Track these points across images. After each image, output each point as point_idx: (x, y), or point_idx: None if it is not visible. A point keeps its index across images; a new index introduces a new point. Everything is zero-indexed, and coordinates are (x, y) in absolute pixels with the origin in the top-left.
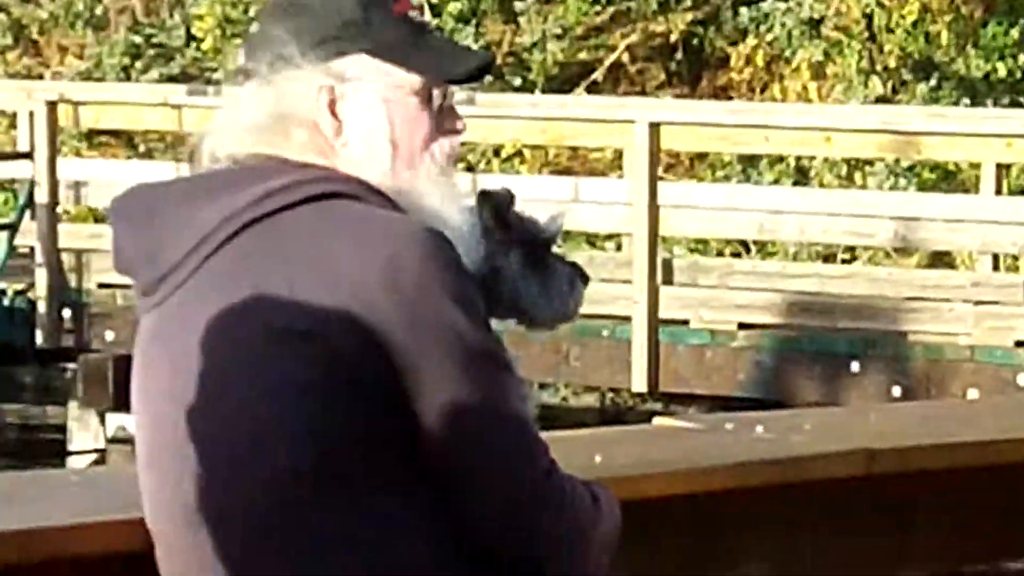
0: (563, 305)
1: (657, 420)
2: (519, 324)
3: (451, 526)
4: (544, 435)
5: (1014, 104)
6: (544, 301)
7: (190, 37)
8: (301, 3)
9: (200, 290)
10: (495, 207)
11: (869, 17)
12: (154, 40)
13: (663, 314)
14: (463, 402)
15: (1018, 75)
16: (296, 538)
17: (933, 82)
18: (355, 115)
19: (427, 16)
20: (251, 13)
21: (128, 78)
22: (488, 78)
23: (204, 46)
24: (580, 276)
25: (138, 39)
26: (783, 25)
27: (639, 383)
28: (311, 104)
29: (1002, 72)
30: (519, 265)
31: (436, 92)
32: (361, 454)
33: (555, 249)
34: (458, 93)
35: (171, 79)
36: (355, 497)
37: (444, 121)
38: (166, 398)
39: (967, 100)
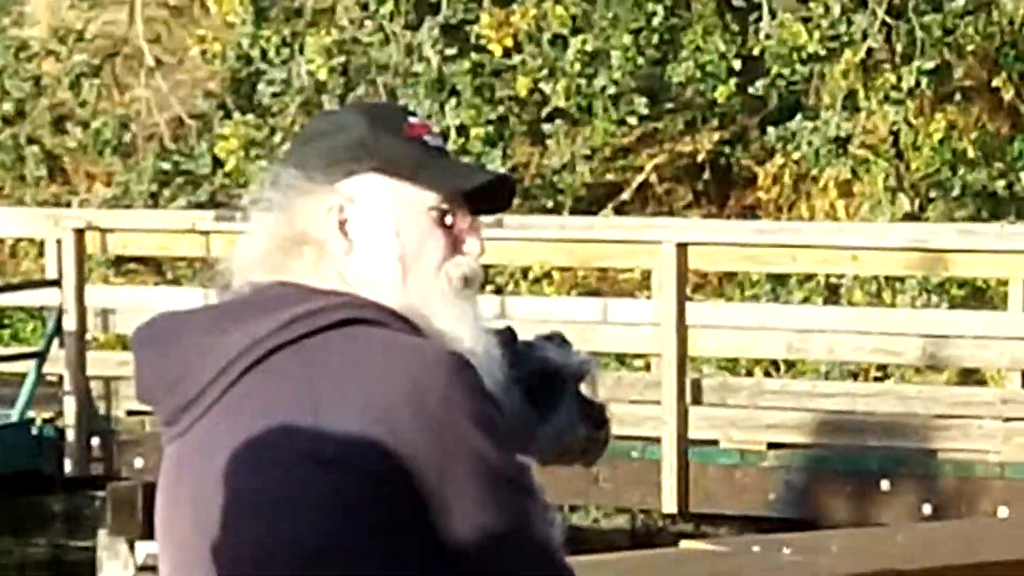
0: (556, 444)
1: (684, 543)
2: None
3: None
4: (571, 560)
5: None
6: (540, 439)
7: (217, 163)
8: (316, 131)
9: (223, 419)
10: (500, 341)
11: (896, 135)
12: (182, 167)
13: (692, 434)
14: (486, 527)
15: None
16: None
17: (957, 196)
18: (365, 234)
19: (454, 138)
20: (276, 136)
21: (156, 205)
22: (516, 200)
23: (227, 167)
24: (590, 419)
25: (166, 166)
26: (810, 144)
27: (669, 504)
28: (321, 225)
29: None
30: (520, 402)
31: (451, 212)
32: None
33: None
34: (486, 217)
35: (198, 206)
36: None
37: (461, 242)
38: (190, 529)
39: (990, 212)
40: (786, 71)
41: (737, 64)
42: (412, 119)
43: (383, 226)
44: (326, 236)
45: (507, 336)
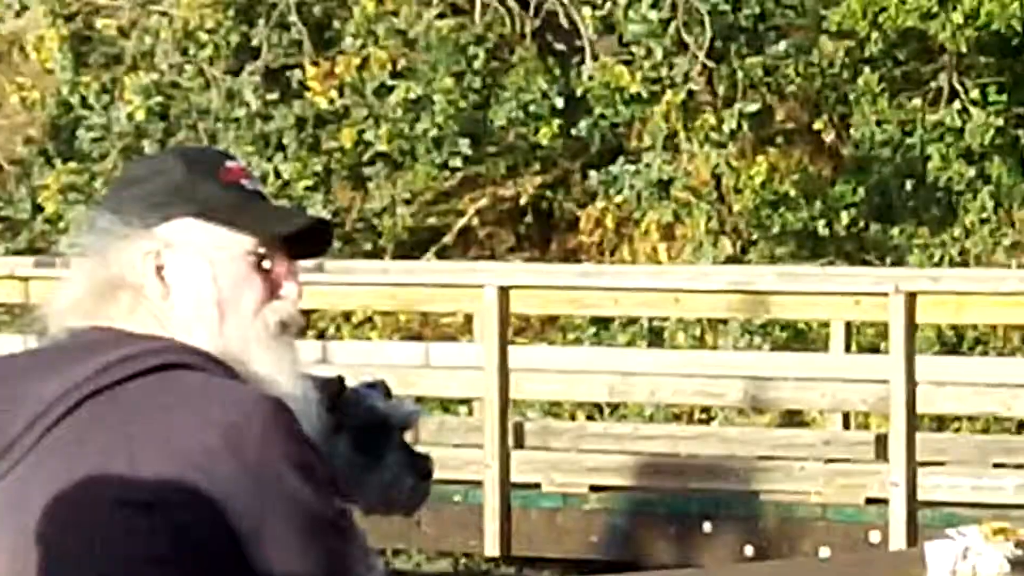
0: (383, 495)
1: None
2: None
3: None
4: None
5: (861, 260)
6: (367, 488)
7: (37, 209)
8: (133, 176)
9: (39, 465)
10: (323, 390)
11: (718, 178)
12: (1, 213)
13: (515, 478)
14: (304, 572)
15: (862, 227)
16: None
17: (779, 238)
18: (181, 278)
19: (274, 183)
20: (96, 182)
21: None
22: (337, 244)
23: (47, 212)
24: (415, 469)
25: None
26: (632, 187)
27: (492, 548)
28: (138, 269)
29: (845, 222)
30: (347, 450)
31: (268, 256)
32: None
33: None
34: (307, 263)
35: (17, 252)
36: None
37: (278, 287)
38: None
39: (814, 255)
40: (608, 111)
41: (560, 103)
42: (229, 163)
43: (200, 271)
44: (143, 281)
45: (336, 385)
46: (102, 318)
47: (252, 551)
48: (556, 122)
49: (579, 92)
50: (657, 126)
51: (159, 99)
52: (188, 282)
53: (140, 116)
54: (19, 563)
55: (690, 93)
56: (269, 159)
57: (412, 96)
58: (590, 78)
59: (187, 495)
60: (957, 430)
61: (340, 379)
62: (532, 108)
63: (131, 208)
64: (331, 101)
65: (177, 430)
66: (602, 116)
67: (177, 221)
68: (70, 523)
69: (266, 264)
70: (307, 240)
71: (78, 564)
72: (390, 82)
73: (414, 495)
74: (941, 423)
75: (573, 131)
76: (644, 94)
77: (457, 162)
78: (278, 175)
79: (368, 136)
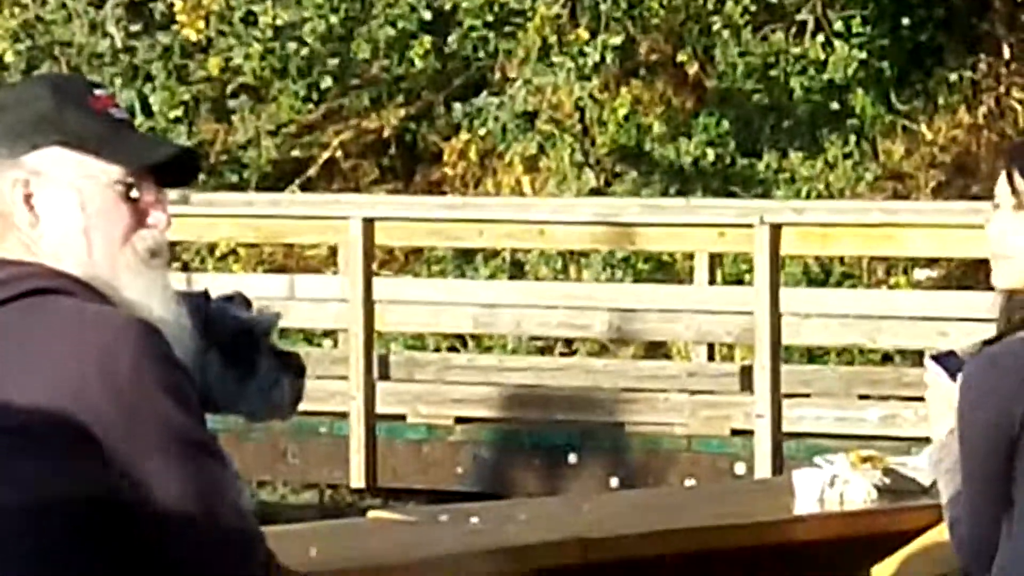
0: (265, 400)
1: (372, 513)
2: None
3: None
4: (261, 529)
5: (726, 192)
6: (247, 397)
7: None
8: (2, 103)
9: None
10: (191, 308)
11: (582, 111)
12: None
13: (380, 410)
14: (177, 493)
15: (727, 161)
16: None
17: (644, 170)
18: (49, 207)
19: (139, 115)
20: None
21: None
22: (202, 177)
23: None
24: (290, 368)
25: None
26: (496, 119)
27: (357, 479)
28: (6, 198)
29: (711, 157)
30: (219, 363)
31: (136, 185)
32: (80, 547)
33: (272, 342)
34: (172, 193)
35: None
36: None
37: (146, 215)
38: None
39: (679, 189)
40: (477, 23)
41: (428, 15)
42: (97, 91)
43: (68, 200)
44: (11, 209)
45: (201, 298)
46: None
47: (125, 474)
48: (427, 39)
49: (448, 6)
50: (531, 39)
51: (27, 43)
52: (56, 211)
53: (9, 58)
54: None
55: (556, 26)
56: (138, 90)
57: (279, 23)
58: None
59: (58, 418)
60: (823, 362)
61: (206, 291)
62: (401, 24)
63: (1, 138)
64: (198, 31)
65: (49, 355)
66: (472, 28)
67: (45, 150)
68: None
69: (134, 193)
70: (175, 169)
71: None
72: (256, 8)
73: (295, 392)
74: (807, 355)
75: (444, 48)
76: (515, 5)
77: (320, 94)
78: (145, 106)
79: (236, 61)
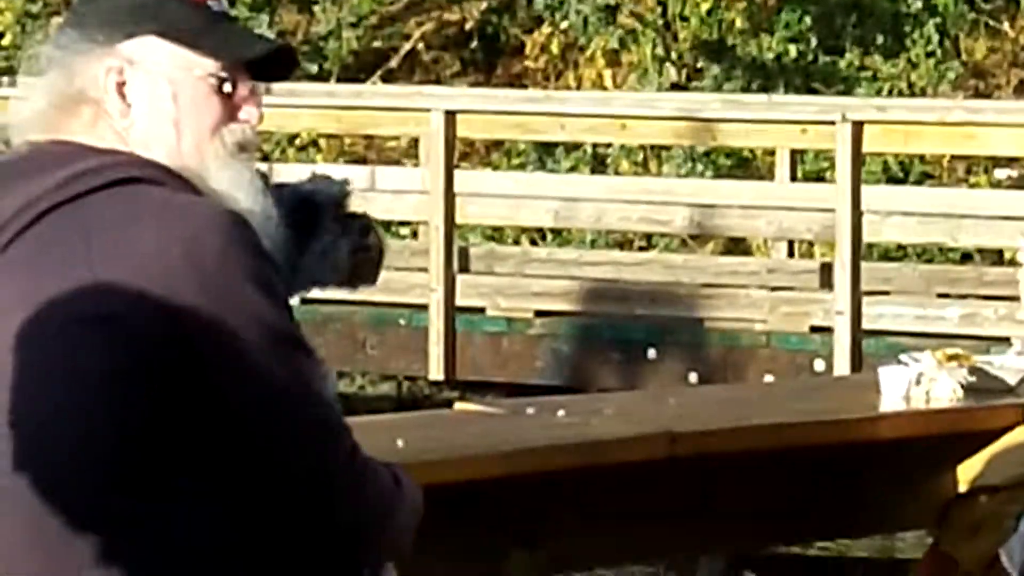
0: (324, 261)
1: (458, 405)
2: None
3: (257, 507)
4: (347, 420)
5: (808, 89)
6: (308, 264)
7: None
8: None
9: (3, 277)
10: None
11: (664, 5)
12: None
13: (460, 302)
14: (265, 384)
15: (810, 58)
16: (101, 520)
17: (726, 66)
18: (141, 96)
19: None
20: (51, 6)
21: None
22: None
23: (4, 42)
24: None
25: None
26: (578, 13)
27: (436, 371)
28: (100, 85)
29: (793, 54)
30: (279, 234)
31: (229, 79)
32: (167, 436)
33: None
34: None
35: None
36: (161, 480)
37: (238, 109)
38: None
39: (760, 85)
40: None
41: None
42: None
43: (160, 90)
44: (104, 96)
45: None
46: (63, 132)
47: (213, 364)
48: None
49: None
50: None
51: None
52: (148, 100)
53: None
54: None
55: None
56: None
57: None
58: None
59: (147, 307)
60: (903, 260)
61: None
62: None
63: (94, 24)
64: None
65: (137, 244)
66: None
67: (140, 39)
68: (31, 334)
69: (227, 87)
70: (271, 64)
71: (39, 378)
72: None
73: (360, 255)
74: (887, 254)
75: None
76: None
77: None
78: None
79: None
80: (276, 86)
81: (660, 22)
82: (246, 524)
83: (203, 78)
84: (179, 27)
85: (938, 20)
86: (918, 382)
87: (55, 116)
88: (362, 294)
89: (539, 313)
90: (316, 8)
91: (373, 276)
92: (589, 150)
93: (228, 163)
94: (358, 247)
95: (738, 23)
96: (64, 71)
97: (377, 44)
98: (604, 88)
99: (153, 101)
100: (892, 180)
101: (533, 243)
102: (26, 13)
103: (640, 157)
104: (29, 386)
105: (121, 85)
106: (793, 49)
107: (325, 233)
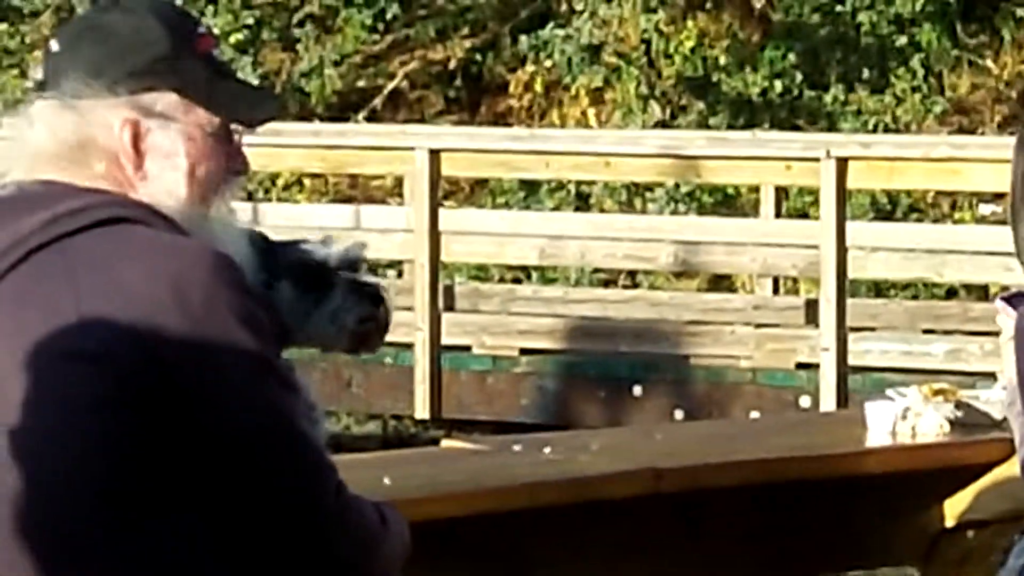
0: (334, 326)
1: (445, 442)
2: (315, 348)
3: (242, 543)
4: (333, 457)
5: (793, 126)
6: (317, 324)
7: None
8: (109, 29)
9: None
10: (251, 249)
11: (647, 43)
12: None
13: (445, 340)
14: (249, 421)
15: (795, 93)
16: (88, 556)
17: (711, 102)
18: (157, 149)
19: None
20: (27, 41)
21: None
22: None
23: None
24: (363, 297)
25: None
26: (562, 52)
27: (422, 410)
28: (114, 135)
29: (779, 89)
30: (290, 292)
31: (234, 131)
32: (153, 472)
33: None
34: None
35: None
36: (147, 516)
37: (235, 156)
38: None
39: (744, 121)
40: None
41: None
42: (200, 29)
43: (175, 144)
44: (117, 148)
45: (259, 238)
46: (60, 174)
47: (198, 401)
48: None
49: None
50: None
51: None
52: (163, 153)
53: None
54: None
55: None
56: (200, 12)
57: None
58: None
59: (132, 343)
60: (888, 296)
61: (261, 234)
62: None
63: (114, 68)
64: None
65: (124, 281)
66: None
67: (159, 94)
68: (18, 372)
69: (234, 138)
70: None
71: (26, 414)
72: None
73: (368, 323)
74: (872, 289)
75: None
76: None
77: (389, 13)
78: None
79: None
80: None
81: (644, 60)
82: (233, 550)
83: (215, 131)
84: (194, 83)
85: (922, 56)
86: (904, 417)
87: (56, 160)
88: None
89: (524, 351)
90: (299, 47)
91: (377, 345)
92: (573, 188)
93: (226, 215)
94: (366, 316)
95: (722, 59)
96: (71, 117)
97: (361, 83)
98: (588, 126)
99: (169, 155)
100: (879, 214)
101: (518, 281)
102: (4, 49)
103: (625, 195)
104: (20, 416)
105: (136, 137)
106: (779, 84)
107: (335, 298)
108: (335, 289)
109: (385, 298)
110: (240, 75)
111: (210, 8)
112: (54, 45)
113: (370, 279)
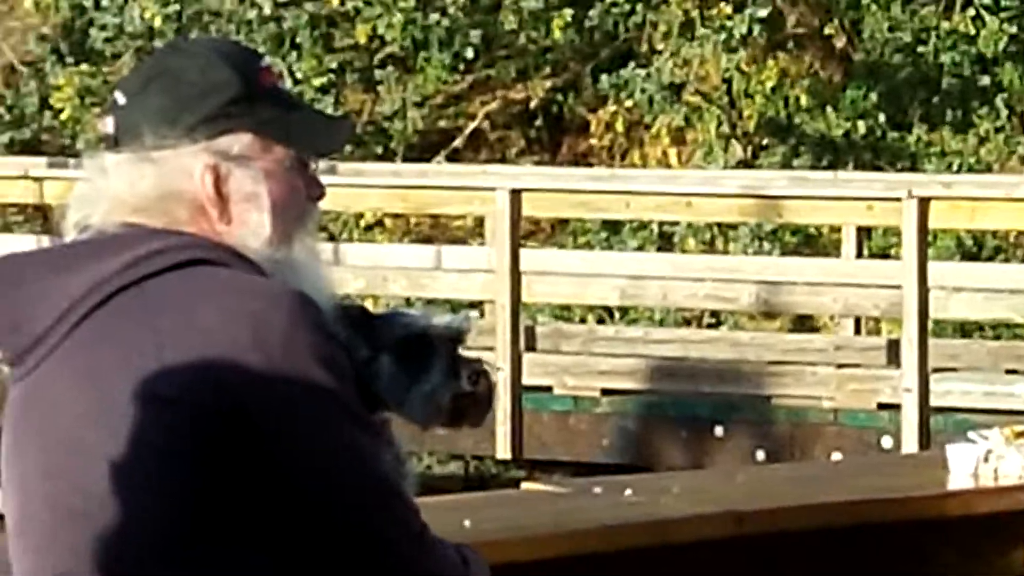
0: (426, 404)
1: (525, 485)
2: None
3: None
4: (415, 500)
5: (874, 167)
6: (411, 400)
7: (43, 104)
8: (177, 76)
9: (68, 360)
10: (350, 322)
11: (729, 82)
12: (8, 103)
13: (526, 381)
14: (329, 464)
15: (878, 134)
16: None
17: (792, 143)
18: (239, 193)
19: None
20: (109, 82)
21: None
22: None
23: (63, 116)
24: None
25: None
26: (643, 91)
27: (503, 450)
28: (195, 183)
29: (861, 130)
30: (390, 367)
31: (310, 163)
32: (228, 514)
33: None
34: (320, 164)
35: (23, 143)
36: (221, 557)
37: (313, 189)
38: (37, 471)
39: (827, 161)
40: None
41: None
42: (263, 63)
43: (257, 185)
44: (200, 195)
45: (359, 311)
46: (140, 218)
47: (277, 443)
48: (567, 12)
49: None
50: (673, 13)
51: (175, 7)
52: (245, 195)
53: (157, 22)
54: (49, 452)
55: None
56: (283, 58)
57: None
58: None
59: (211, 386)
60: (971, 337)
61: (363, 308)
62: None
63: (187, 115)
64: (342, 2)
65: (203, 323)
66: (614, 4)
67: (235, 136)
68: (96, 418)
69: (310, 166)
70: None
71: (103, 458)
72: None
73: (465, 401)
74: (956, 330)
75: (586, 21)
76: None
77: (468, 54)
78: (291, 74)
79: (381, 30)
80: (342, 166)
81: (725, 99)
82: None
83: (292, 166)
84: (268, 122)
85: (1005, 96)
86: (986, 459)
87: (140, 210)
88: None
89: (606, 391)
90: (381, 88)
91: (479, 420)
92: (656, 228)
93: (312, 250)
94: (462, 393)
95: (803, 100)
96: (149, 170)
97: (442, 123)
98: (669, 166)
99: (251, 196)
100: (965, 255)
101: (600, 321)
102: (86, 88)
103: (707, 235)
104: (97, 459)
105: (218, 181)
106: (861, 125)
107: (434, 377)
108: (434, 368)
109: (486, 373)
110: (343, 121)
111: (293, 53)
112: (120, 97)
113: (472, 355)
